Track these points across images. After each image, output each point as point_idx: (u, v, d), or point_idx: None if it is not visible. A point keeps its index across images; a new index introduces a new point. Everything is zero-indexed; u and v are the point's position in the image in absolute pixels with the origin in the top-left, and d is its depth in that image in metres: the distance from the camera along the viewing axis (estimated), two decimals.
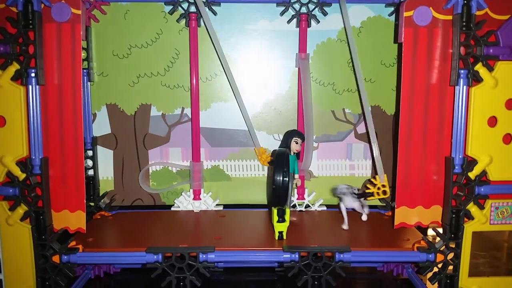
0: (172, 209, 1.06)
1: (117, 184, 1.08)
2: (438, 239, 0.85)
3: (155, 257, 0.82)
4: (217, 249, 0.83)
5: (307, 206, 1.07)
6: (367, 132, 0.98)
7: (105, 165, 1.07)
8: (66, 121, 0.83)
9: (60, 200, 0.85)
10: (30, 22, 0.78)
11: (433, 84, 0.84)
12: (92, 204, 1.04)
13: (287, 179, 0.87)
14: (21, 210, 0.82)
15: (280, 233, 0.88)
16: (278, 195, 0.85)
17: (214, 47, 0.99)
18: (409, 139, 0.85)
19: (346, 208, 0.96)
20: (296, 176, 0.97)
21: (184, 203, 1.06)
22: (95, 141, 1.05)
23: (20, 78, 0.79)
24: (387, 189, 0.96)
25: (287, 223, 0.88)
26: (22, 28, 0.78)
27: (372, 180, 0.97)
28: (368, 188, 0.96)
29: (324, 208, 1.07)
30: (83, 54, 1.01)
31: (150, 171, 1.08)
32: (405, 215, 0.88)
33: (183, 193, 1.07)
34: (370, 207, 1.08)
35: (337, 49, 1.04)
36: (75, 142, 0.83)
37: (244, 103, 1.04)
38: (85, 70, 1.01)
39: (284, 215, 0.88)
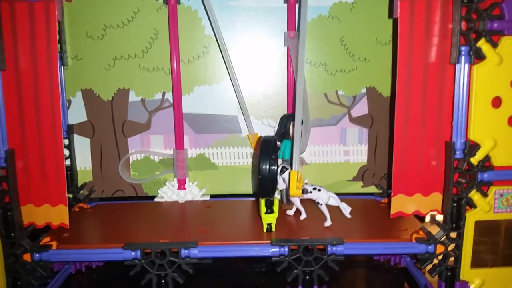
0: (156, 200, 1.00)
1: (95, 174, 1.01)
2: (437, 229, 0.79)
3: (133, 253, 0.76)
4: (200, 243, 0.77)
5: None
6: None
7: (83, 155, 1.00)
8: (43, 109, 0.77)
9: (40, 194, 0.79)
10: None
11: (432, 62, 0.77)
12: (70, 196, 0.98)
13: (274, 167, 0.80)
14: None
15: (269, 225, 0.83)
16: (264, 185, 0.79)
17: (210, 23, 0.92)
18: (406, 123, 0.79)
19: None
20: (285, 162, 0.91)
21: (168, 193, 1.00)
22: (70, 129, 0.98)
23: None
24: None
25: (275, 214, 0.82)
26: None
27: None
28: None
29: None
30: None
31: (131, 161, 1.01)
32: (402, 204, 0.82)
33: (167, 183, 1.00)
34: (365, 194, 1.02)
35: (329, 27, 0.97)
36: (54, 132, 0.78)
37: (231, 86, 0.97)
38: (58, 54, 0.93)
39: (273, 206, 0.82)
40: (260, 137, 0.95)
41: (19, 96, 0.76)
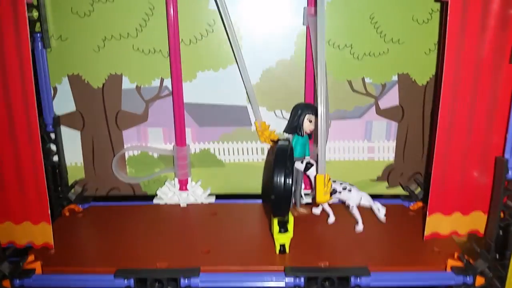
0: (154, 201, 0.89)
1: (88, 171, 0.90)
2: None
3: (126, 282, 0.66)
4: (203, 269, 0.67)
5: None
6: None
7: (72, 149, 0.88)
8: (16, 112, 0.65)
9: (19, 210, 0.70)
10: None
11: (486, 60, 0.63)
12: (60, 195, 0.88)
13: (289, 181, 0.69)
14: None
15: (282, 246, 0.72)
16: (278, 203, 0.67)
17: None
18: (449, 131, 0.66)
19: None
20: (308, 158, 0.80)
21: (169, 194, 0.89)
22: (57, 121, 0.85)
23: None
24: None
25: (290, 234, 0.71)
26: None
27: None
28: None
29: (336, 200, 0.89)
30: (35, 14, 0.79)
31: (127, 156, 0.90)
32: (438, 224, 0.71)
33: (167, 182, 0.89)
34: (391, 196, 0.91)
35: (356, 1, 0.80)
36: (30, 141, 0.66)
37: (239, 72, 0.83)
38: (38, 34, 0.80)
39: (287, 224, 0.71)
40: (276, 141, 0.82)
41: None
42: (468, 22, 0.61)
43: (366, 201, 0.78)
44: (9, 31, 0.62)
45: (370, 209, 0.79)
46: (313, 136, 0.83)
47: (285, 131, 0.82)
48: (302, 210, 0.84)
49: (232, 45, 0.80)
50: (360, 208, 0.79)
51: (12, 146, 0.67)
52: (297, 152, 0.80)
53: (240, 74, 0.83)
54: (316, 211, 0.84)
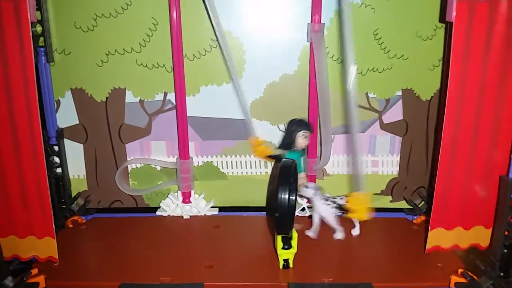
0: (158, 213, 0.89)
1: (91, 183, 0.90)
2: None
3: None
4: (207, 285, 0.67)
5: None
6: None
7: (75, 162, 0.89)
8: (20, 128, 0.65)
9: (23, 225, 0.70)
10: None
11: (490, 79, 0.63)
12: (64, 207, 0.88)
13: (293, 198, 0.69)
14: None
15: (286, 261, 0.72)
16: (282, 221, 0.67)
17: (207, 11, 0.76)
18: (453, 148, 0.66)
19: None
20: (302, 174, 0.80)
21: (172, 206, 0.89)
22: (60, 134, 0.86)
23: None
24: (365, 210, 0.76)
25: (294, 250, 0.71)
26: None
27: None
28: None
29: (340, 212, 0.89)
30: (38, 28, 0.79)
31: (130, 169, 0.90)
32: (440, 238, 0.71)
33: (170, 195, 0.89)
34: (395, 210, 0.91)
35: (361, 17, 0.80)
36: (34, 157, 0.66)
37: (243, 87, 0.83)
38: (42, 49, 0.80)
39: (291, 241, 0.71)
40: (271, 156, 0.83)
41: None
42: (473, 41, 0.61)
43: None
44: (13, 47, 0.62)
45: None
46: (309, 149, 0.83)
47: (279, 146, 0.81)
48: (297, 225, 0.80)
49: (228, 62, 0.79)
50: (361, 223, 0.81)
51: (16, 161, 0.67)
52: None
53: (236, 91, 0.83)
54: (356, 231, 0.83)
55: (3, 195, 0.68)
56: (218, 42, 0.79)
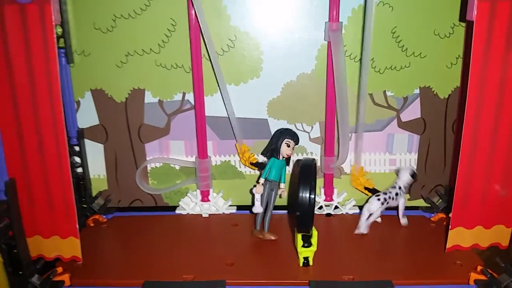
0: (177, 211, 0.90)
1: (111, 182, 0.91)
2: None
3: None
4: (228, 282, 0.68)
5: (336, 207, 0.90)
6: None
7: (96, 162, 0.90)
8: (45, 131, 0.66)
9: (48, 225, 0.71)
10: None
11: (510, 78, 0.63)
12: (84, 206, 0.89)
13: (313, 196, 0.69)
14: None
15: (306, 259, 0.73)
16: (303, 219, 0.68)
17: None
18: (473, 147, 0.66)
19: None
20: (282, 185, 0.79)
21: (190, 205, 0.90)
22: (81, 134, 0.87)
23: None
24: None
25: (314, 248, 0.72)
26: None
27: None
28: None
29: (357, 210, 0.89)
30: (59, 30, 0.80)
31: (149, 168, 0.91)
32: (460, 237, 0.72)
33: (188, 194, 0.90)
34: (412, 208, 0.91)
35: (379, 15, 0.80)
36: (59, 159, 0.67)
37: (260, 86, 0.85)
38: (62, 50, 0.81)
39: (311, 239, 0.71)
40: (255, 164, 0.84)
41: (17, 118, 0.65)
42: (493, 40, 0.62)
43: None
44: (38, 48, 0.63)
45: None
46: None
47: (263, 153, 0.80)
48: (269, 236, 0.81)
49: (215, 70, 0.81)
50: (378, 224, 0.84)
51: (41, 162, 0.68)
52: (272, 175, 0.78)
53: (222, 97, 0.83)
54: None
55: (28, 196, 0.69)
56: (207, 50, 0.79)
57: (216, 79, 0.82)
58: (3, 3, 0.61)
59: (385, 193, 0.83)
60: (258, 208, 0.78)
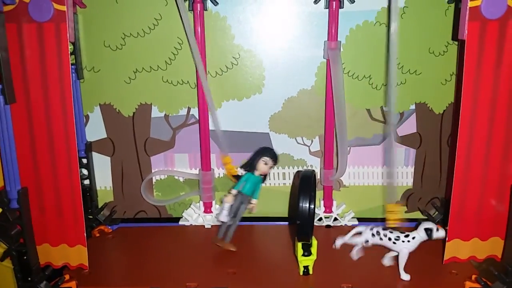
0: (180, 222, 0.93)
1: (116, 194, 0.94)
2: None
3: None
4: None
5: (335, 219, 0.92)
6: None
7: (102, 174, 0.93)
8: (57, 143, 0.69)
9: (56, 233, 0.73)
10: None
11: (502, 93, 0.66)
12: (90, 217, 0.92)
13: (312, 206, 0.72)
14: (0, 249, 0.70)
15: (306, 267, 0.75)
16: (303, 228, 0.71)
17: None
18: (468, 162, 0.69)
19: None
20: (254, 201, 0.82)
21: (194, 216, 0.93)
22: (89, 147, 0.90)
23: None
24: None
25: (313, 257, 0.74)
26: None
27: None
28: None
29: (356, 222, 0.92)
30: (70, 47, 0.84)
31: (154, 180, 0.94)
32: (457, 249, 0.74)
33: (192, 205, 0.93)
34: (410, 220, 0.93)
35: (375, 35, 0.84)
36: (69, 170, 0.70)
37: (262, 101, 0.88)
38: (72, 66, 0.84)
39: (311, 248, 0.74)
40: (235, 176, 0.86)
41: (31, 130, 0.68)
42: (484, 58, 0.65)
43: None
44: (53, 64, 0.66)
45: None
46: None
47: (241, 166, 0.84)
48: (229, 246, 0.83)
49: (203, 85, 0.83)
50: None
51: (52, 172, 0.70)
52: (246, 189, 0.81)
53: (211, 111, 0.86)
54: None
55: (39, 205, 0.72)
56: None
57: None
58: (21, 21, 0.65)
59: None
60: (224, 217, 0.81)
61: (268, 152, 0.82)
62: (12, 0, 0.63)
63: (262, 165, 0.81)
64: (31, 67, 0.66)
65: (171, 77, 0.87)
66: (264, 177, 0.83)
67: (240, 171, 0.85)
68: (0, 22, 0.63)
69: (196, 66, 0.83)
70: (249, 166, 0.82)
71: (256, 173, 0.82)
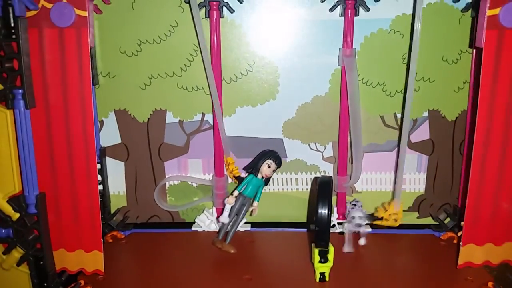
0: (193, 228, 0.93)
1: (130, 199, 0.95)
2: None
3: None
4: None
5: None
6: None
7: (116, 179, 0.93)
8: (76, 149, 0.69)
9: (73, 239, 0.73)
10: (12, 31, 0.62)
11: None
12: (103, 222, 0.91)
13: (330, 213, 0.72)
14: (17, 253, 0.70)
15: (322, 274, 0.75)
16: (321, 234, 0.71)
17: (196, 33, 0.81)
18: (483, 169, 0.70)
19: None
20: (255, 203, 0.83)
21: (206, 222, 0.93)
22: (103, 153, 0.90)
23: (5, 100, 0.65)
24: (399, 218, 0.83)
25: (330, 263, 0.74)
26: (3, 39, 0.63)
27: (385, 205, 0.84)
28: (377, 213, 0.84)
29: (369, 229, 0.91)
30: None
31: (167, 186, 0.94)
32: (471, 254, 0.74)
33: (205, 211, 0.93)
34: (422, 226, 0.94)
35: (389, 42, 0.85)
36: (88, 176, 0.71)
37: (276, 107, 0.89)
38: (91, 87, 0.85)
39: (327, 254, 0.74)
40: (237, 177, 0.86)
41: (49, 135, 0.69)
42: (501, 66, 0.66)
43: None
44: (73, 69, 0.67)
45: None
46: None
47: (245, 168, 0.86)
48: (228, 248, 0.83)
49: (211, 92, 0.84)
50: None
51: (70, 177, 0.71)
52: (248, 191, 0.82)
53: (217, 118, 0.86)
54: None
55: (56, 210, 0.72)
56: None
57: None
58: (43, 26, 0.65)
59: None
60: (225, 218, 0.82)
61: (272, 155, 0.83)
62: (35, 6, 0.63)
63: (266, 167, 0.82)
64: (51, 72, 0.67)
65: (186, 83, 0.88)
66: (266, 180, 0.84)
67: (243, 173, 0.86)
68: (23, 28, 0.63)
69: (206, 74, 0.83)
70: (253, 168, 0.83)
71: (259, 175, 0.82)
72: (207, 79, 0.84)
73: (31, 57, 0.66)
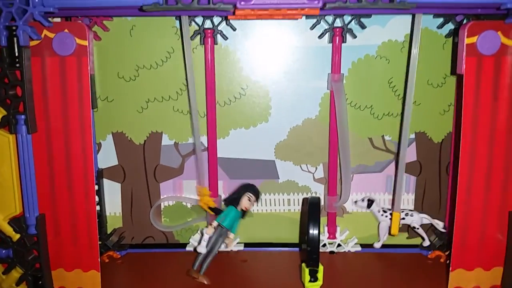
0: (187, 248, 0.95)
1: (125, 220, 0.97)
2: None
3: None
4: None
5: (339, 245, 0.95)
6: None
7: (112, 200, 0.95)
8: (75, 172, 0.72)
9: (71, 258, 0.76)
10: (17, 60, 0.66)
11: (500, 125, 0.70)
12: (100, 242, 0.93)
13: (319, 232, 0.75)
14: (16, 273, 0.72)
15: None
16: (312, 254, 0.73)
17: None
18: (469, 192, 0.72)
19: None
20: (231, 235, 0.85)
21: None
22: (100, 174, 0.93)
23: (8, 125, 0.68)
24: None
25: (320, 282, 0.77)
26: (8, 68, 0.66)
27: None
28: None
29: (359, 248, 0.94)
30: None
31: (162, 206, 0.97)
32: (461, 279, 0.76)
33: (199, 231, 0.95)
34: (408, 246, 0.96)
35: (376, 67, 0.89)
36: (86, 196, 0.73)
37: (268, 130, 0.92)
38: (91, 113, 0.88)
39: (317, 274, 0.76)
40: (212, 209, 0.89)
41: (50, 159, 0.72)
42: (482, 91, 0.69)
43: (427, 220, 0.91)
44: (74, 95, 0.70)
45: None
46: None
47: (224, 200, 0.89)
48: (203, 279, 0.83)
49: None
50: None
51: (69, 199, 0.73)
52: (226, 222, 0.84)
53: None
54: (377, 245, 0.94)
55: (55, 231, 0.74)
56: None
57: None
58: (45, 55, 0.69)
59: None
60: (202, 248, 0.83)
61: (253, 189, 0.87)
62: (38, 36, 0.66)
63: (246, 200, 0.85)
64: (52, 98, 0.70)
65: (182, 107, 0.91)
66: (243, 213, 0.86)
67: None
68: (27, 56, 0.66)
69: (189, 102, 0.86)
70: (233, 200, 0.86)
71: (238, 208, 0.85)
72: (189, 108, 0.87)
73: (34, 84, 0.69)
